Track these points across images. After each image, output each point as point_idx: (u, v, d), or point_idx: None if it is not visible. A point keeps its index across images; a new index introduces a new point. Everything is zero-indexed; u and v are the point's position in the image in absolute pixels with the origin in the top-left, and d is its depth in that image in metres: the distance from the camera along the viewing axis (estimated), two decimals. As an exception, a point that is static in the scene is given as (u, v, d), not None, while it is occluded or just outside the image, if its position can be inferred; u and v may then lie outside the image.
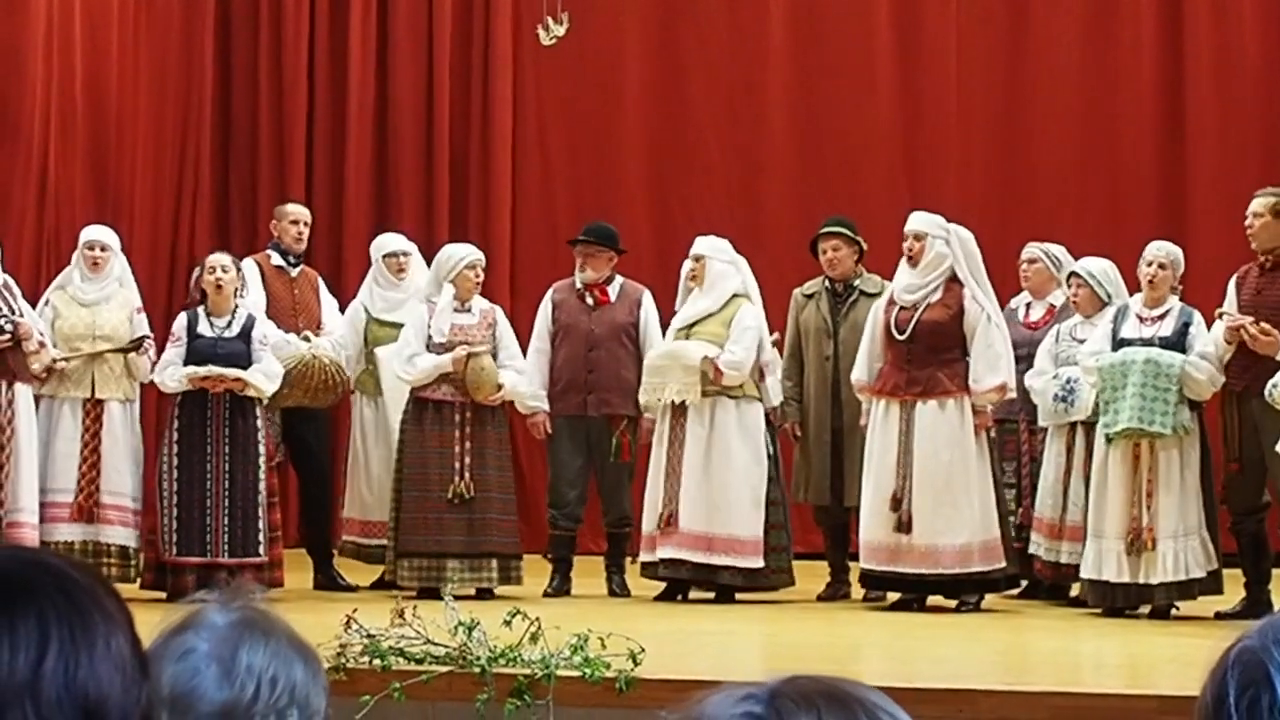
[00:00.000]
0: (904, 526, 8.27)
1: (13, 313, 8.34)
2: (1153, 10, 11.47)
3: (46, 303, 8.73)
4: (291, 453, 9.36)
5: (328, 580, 9.24)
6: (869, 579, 8.55)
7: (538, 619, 6.19)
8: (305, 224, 9.61)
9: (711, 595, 8.70)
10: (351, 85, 11.90)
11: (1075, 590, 8.54)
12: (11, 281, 8.50)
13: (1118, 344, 8.17)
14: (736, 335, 8.73)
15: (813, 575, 9.20)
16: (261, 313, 8.90)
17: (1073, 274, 8.73)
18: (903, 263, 8.58)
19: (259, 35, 11.95)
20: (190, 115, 11.58)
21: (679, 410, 8.72)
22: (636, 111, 11.91)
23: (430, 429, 8.78)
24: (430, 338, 8.82)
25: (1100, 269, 8.68)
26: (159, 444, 8.73)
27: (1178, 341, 8.08)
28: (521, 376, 8.94)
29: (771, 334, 9.02)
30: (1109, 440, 8.05)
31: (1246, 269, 8.25)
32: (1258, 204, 8.19)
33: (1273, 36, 11.38)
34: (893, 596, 8.58)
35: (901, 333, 8.42)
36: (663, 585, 8.80)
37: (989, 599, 8.53)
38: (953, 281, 8.49)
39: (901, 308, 8.47)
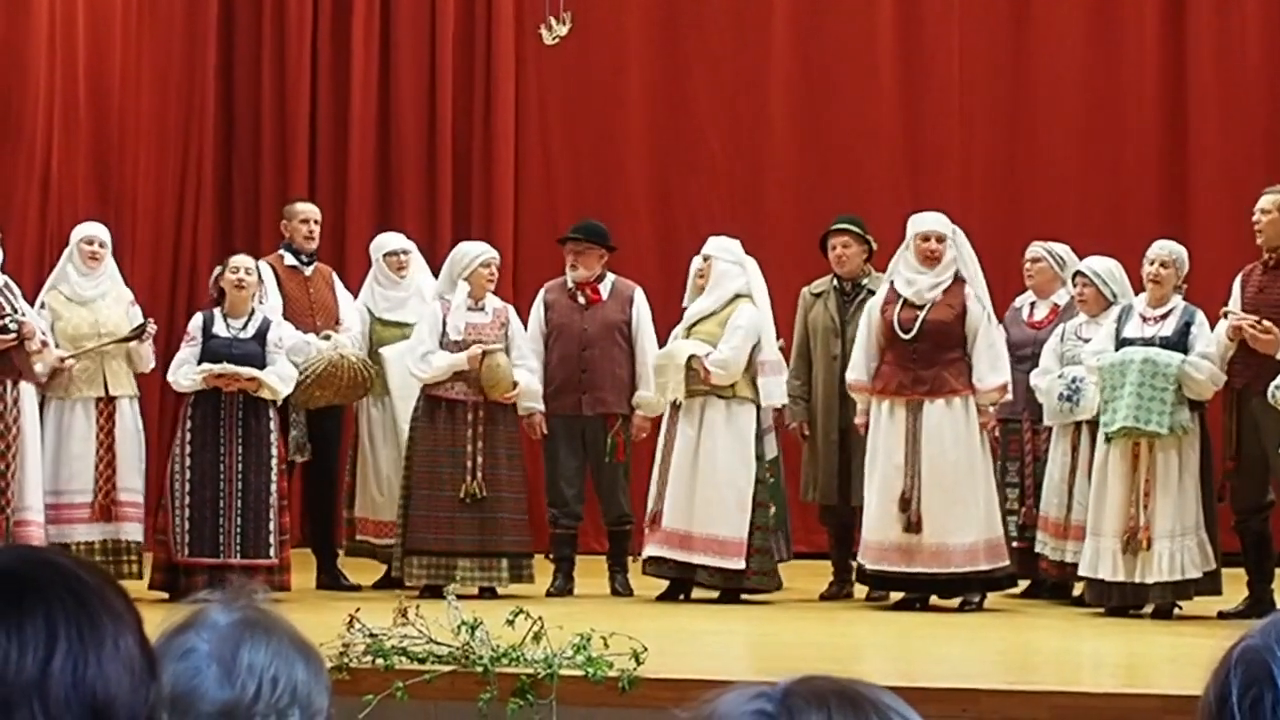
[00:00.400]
0: (914, 526, 8.27)
1: (15, 312, 8.35)
2: (1155, 9, 11.46)
3: (43, 305, 8.73)
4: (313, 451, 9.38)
5: (331, 580, 9.25)
6: (875, 579, 8.53)
7: (540, 618, 6.19)
8: (316, 222, 9.61)
9: (715, 595, 8.70)
10: (354, 85, 11.91)
11: (1078, 590, 8.53)
12: (12, 283, 8.51)
13: (1120, 343, 8.17)
14: (727, 335, 8.73)
15: (816, 575, 9.20)
16: (279, 316, 8.90)
17: (1078, 273, 8.73)
18: (909, 261, 8.54)
19: (262, 34, 11.96)
20: (193, 114, 11.58)
21: (675, 409, 8.75)
22: (639, 111, 11.91)
23: (442, 428, 8.78)
24: (446, 335, 8.81)
25: (1106, 268, 8.67)
26: (170, 443, 8.73)
27: (1179, 341, 8.08)
28: (534, 375, 8.94)
29: (778, 339, 9.03)
30: (1108, 440, 8.06)
31: (1251, 267, 8.24)
32: (1266, 201, 8.19)
33: (1275, 35, 11.38)
34: (895, 596, 8.58)
35: (907, 332, 8.41)
36: (665, 584, 8.80)
37: (991, 598, 8.53)
38: (955, 281, 8.50)
39: (905, 307, 8.46)
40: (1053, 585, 8.80)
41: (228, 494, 8.41)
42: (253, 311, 8.68)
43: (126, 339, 8.79)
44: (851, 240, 9.08)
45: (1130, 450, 8.04)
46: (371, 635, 6.24)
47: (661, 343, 9.07)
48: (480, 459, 8.73)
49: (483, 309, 8.94)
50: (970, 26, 11.64)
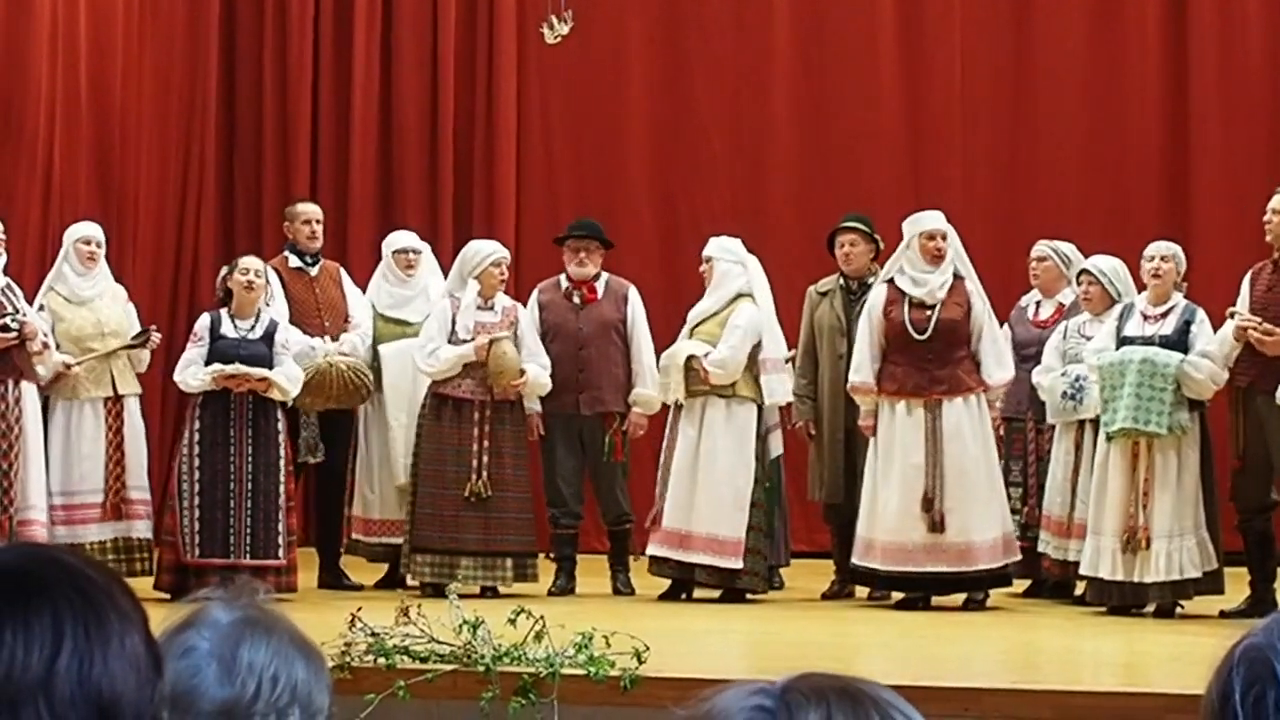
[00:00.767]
0: (938, 526, 8.27)
1: (16, 312, 8.35)
2: (1156, 9, 11.46)
3: (41, 307, 8.72)
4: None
5: (333, 579, 9.25)
6: (892, 581, 8.46)
7: (542, 617, 6.19)
8: (318, 221, 9.61)
9: (716, 594, 8.70)
10: (356, 84, 11.91)
11: (1080, 589, 8.53)
12: (14, 284, 8.51)
13: (1121, 342, 8.16)
14: (725, 334, 8.73)
15: (818, 574, 9.20)
16: (285, 320, 8.90)
17: (1084, 271, 8.73)
18: (913, 261, 8.53)
19: (263, 34, 11.96)
20: (195, 114, 11.58)
21: (677, 409, 8.76)
22: (641, 110, 11.91)
23: (449, 426, 8.77)
24: (455, 333, 8.81)
25: (1111, 267, 8.67)
26: (173, 441, 8.73)
27: (1179, 340, 8.08)
28: (544, 370, 8.93)
29: (791, 351, 9.03)
30: (1108, 439, 8.06)
31: (1260, 266, 8.23)
32: (1278, 200, 8.17)
33: (1276, 35, 11.38)
34: (896, 595, 8.57)
35: (921, 332, 8.41)
36: (667, 583, 8.80)
37: (993, 598, 8.53)
38: (956, 278, 8.51)
39: (915, 307, 8.46)
40: (1054, 584, 8.80)
41: (238, 494, 8.41)
42: (259, 312, 8.68)
43: (130, 346, 8.80)
44: (859, 239, 9.07)
45: (1130, 450, 8.04)
46: (373, 634, 6.24)
47: (664, 342, 9.07)
48: (486, 458, 8.73)
49: (492, 307, 8.94)
50: (971, 27, 11.64)
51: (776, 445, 9.09)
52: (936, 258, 8.51)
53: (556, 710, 5.94)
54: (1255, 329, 7.92)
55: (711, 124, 11.85)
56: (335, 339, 9.20)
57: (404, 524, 8.91)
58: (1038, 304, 9.20)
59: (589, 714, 5.98)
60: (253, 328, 8.61)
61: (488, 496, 8.70)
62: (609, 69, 11.90)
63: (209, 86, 11.65)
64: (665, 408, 8.99)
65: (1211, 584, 8.02)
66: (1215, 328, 8.15)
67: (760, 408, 8.80)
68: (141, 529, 8.78)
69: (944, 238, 8.55)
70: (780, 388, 8.91)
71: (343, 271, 9.67)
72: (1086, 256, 8.89)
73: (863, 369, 8.52)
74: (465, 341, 8.77)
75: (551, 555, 9.10)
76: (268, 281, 8.86)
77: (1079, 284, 8.77)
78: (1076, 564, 8.37)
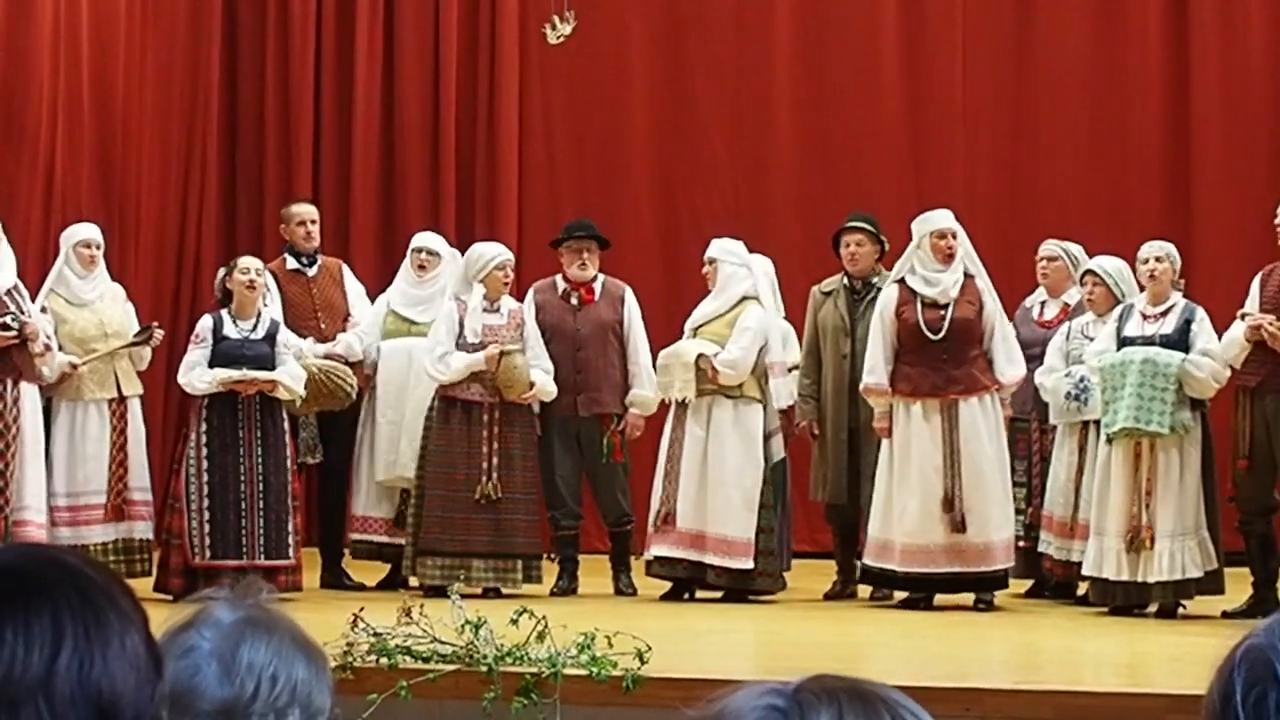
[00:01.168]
0: (959, 526, 8.27)
1: (21, 313, 8.34)
2: (1158, 9, 11.46)
3: (43, 310, 8.71)
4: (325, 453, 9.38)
5: (335, 579, 9.24)
6: (910, 582, 8.44)
7: (544, 617, 6.19)
8: (313, 221, 9.60)
9: (719, 594, 8.70)
10: (358, 85, 11.91)
11: (1082, 589, 8.53)
12: (22, 286, 8.51)
13: (1121, 342, 8.16)
14: (736, 335, 8.73)
15: (820, 574, 9.20)
16: (281, 323, 8.90)
17: (1088, 272, 8.72)
18: (924, 261, 8.53)
19: (266, 34, 11.96)
20: (197, 114, 11.57)
21: (681, 409, 8.75)
22: (642, 110, 11.90)
23: (457, 429, 8.76)
24: (463, 337, 8.81)
25: (1116, 268, 8.66)
26: (176, 443, 8.73)
27: (1179, 339, 8.07)
28: (549, 376, 8.93)
29: (792, 368, 9.04)
30: (1110, 440, 8.06)
31: (1271, 268, 8.23)
32: None
33: (1278, 36, 11.37)
34: (899, 595, 8.57)
35: (936, 333, 8.41)
36: (668, 584, 8.80)
37: (996, 598, 8.53)
38: (966, 277, 8.51)
39: (928, 307, 8.45)
40: (1057, 585, 8.80)
41: (249, 495, 8.41)
42: (260, 312, 8.68)
43: (134, 344, 8.80)
44: (865, 239, 9.07)
45: (1132, 450, 8.04)
46: (375, 634, 6.24)
47: (664, 342, 9.06)
48: (495, 460, 8.73)
49: (498, 310, 8.93)
50: (973, 27, 11.63)
51: (778, 450, 9.05)
52: (948, 257, 8.51)
53: (559, 710, 5.94)
54: (1269, 326, 7.92)
55: (712, 124, 11.85)
56: (330, 340, 9.18)
57: (389, 522, 8.91)
58: (1043, 304, 9.20)
59: (591, 714, 5.98)
60: (254, 328, 8.61)
61: (497, 499, 8.70)
62: (611, 69, 11.89)
63: (211, 86, 11.65)
64: (663, 407, 8.98)
65: (1212, 584, 8.03)
66: (1217, 326, 8.15)
67: (766, 409, 8.80)
68: (142, 530, 8.78)
69: (954, 236, 8.56)
70: (784, 392, 8.91)
71: (345, 269, 9.66)
72: (1089, 257, 8.88)
73: (876, 370, 8.50)
74: (473, 345, 8.77)
75: (553, 556, 9.10)
76: (266, 283, 8.85)
77: (1084, 285, 8.75)
78: (1079, 564, 8.37)
